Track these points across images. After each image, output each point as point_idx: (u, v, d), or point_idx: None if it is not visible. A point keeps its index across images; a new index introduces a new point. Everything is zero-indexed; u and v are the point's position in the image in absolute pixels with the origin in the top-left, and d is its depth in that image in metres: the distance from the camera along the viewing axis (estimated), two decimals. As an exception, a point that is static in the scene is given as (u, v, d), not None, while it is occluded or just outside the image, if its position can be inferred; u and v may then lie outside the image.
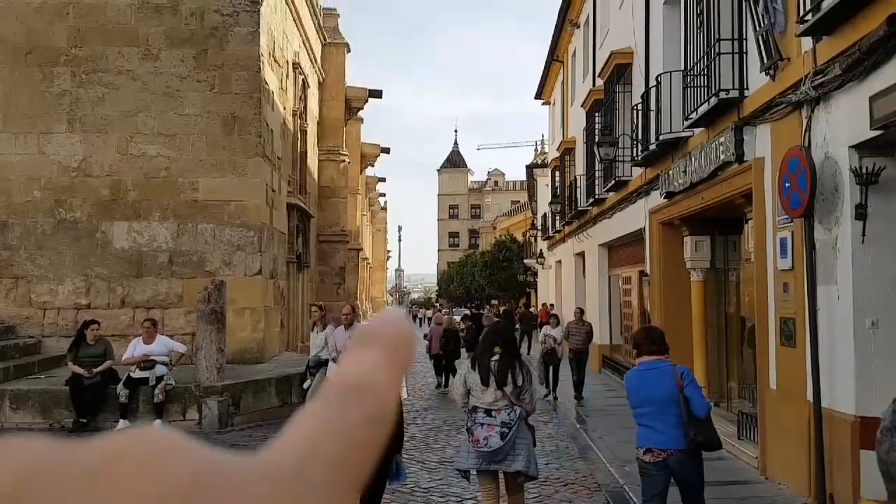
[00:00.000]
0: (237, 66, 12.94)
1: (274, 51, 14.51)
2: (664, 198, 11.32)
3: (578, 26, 20.71)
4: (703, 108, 9.30)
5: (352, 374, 0.24)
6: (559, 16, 21.75)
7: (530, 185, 36.19)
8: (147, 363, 9.77)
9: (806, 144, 6.97)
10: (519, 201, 70.41)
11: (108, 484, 0.20)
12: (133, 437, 0.22)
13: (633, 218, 13.85)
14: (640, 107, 12.43)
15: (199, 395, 10.00)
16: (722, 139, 8.83)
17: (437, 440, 10.08)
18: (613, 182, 14.28)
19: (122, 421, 9.63)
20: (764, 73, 7.74)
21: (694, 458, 5.02)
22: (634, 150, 12.76)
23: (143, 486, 0.20)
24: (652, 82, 11.97)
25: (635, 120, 12.67)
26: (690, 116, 9.68)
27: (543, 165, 32.15)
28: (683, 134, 10.55)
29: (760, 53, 7.71)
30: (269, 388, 10.77)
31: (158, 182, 12.82)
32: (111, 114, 12.77)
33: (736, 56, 8.68)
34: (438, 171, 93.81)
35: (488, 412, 5.15)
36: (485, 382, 5.18)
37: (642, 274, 13.84)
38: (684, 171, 10.17)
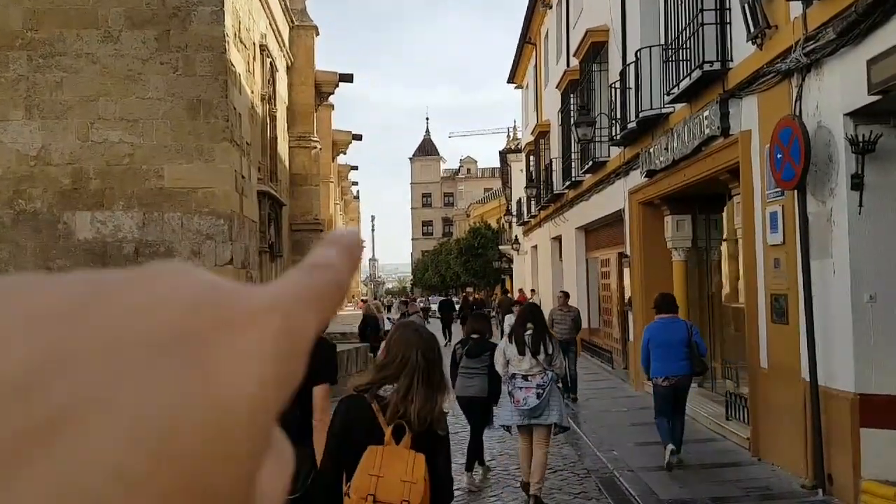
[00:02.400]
0: (201, 47, 12.42)
1: (240, 31, 13.98)
2: (645, 176, 11.10)
3: (551, 7, 20.42)
4: (685, 83, 9.07)
5: (318, 257, 0.28)
6: (531, -3, 21.46)
7: (504, 171, 35.96)
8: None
9: (797, 114, 6.75)
10: (492, 188, 70.26)
11: (146, 283, 0.23)
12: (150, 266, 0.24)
13: (612, 199, 13.63)
14: (617, 84, 12.18)
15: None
16: (706, 113, 8.60)
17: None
18: (591, 164, 14.04)
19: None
20: (750, 42, 7.51)
21: (688, 380, 7.49)
22: (613, 129, 12.53)
23: (178, 279, 0.23)
24: (630, 59, 11.73)
25: (613, 98, 12.42)
26: (672, 91, 9.45)
27: (517, 151, 31.95)
28: (665, 110, 10.32)
29: (746, 22, 7.47)
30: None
31: (122, 169, 12.28)
32: (70, 99, 12.18)
33: (719, 27, 8.45)
34: (411, 159, 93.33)
35: (525, 377, 6.19)
36: (521, 353, 6.22)
37: (622, 256, 13.65)
38: (666, 149, 9.94)
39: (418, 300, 50.60)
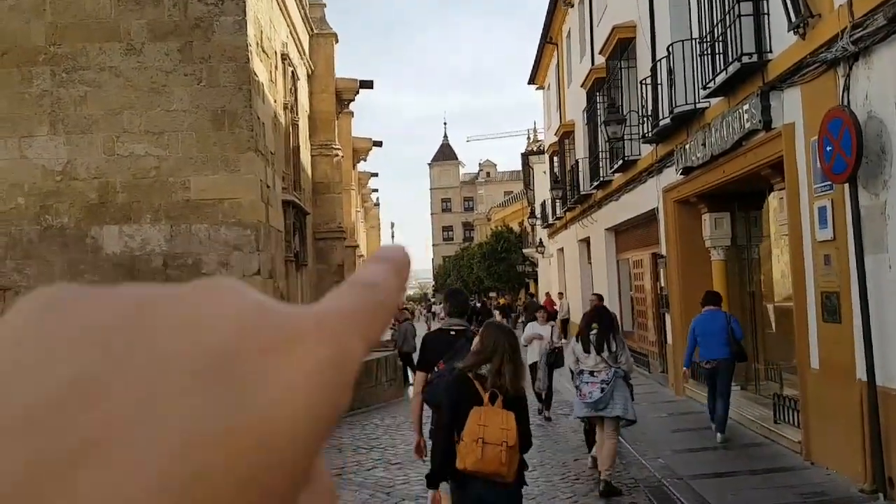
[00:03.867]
0: (224, 57, 12.34)
1: (262, 41, 13.91)
2: (680, 174, 10.82)
3: (572, 5, 20.17)
4: (721, 76, 8.81)
5: (366, 274, 0.27)
6: (551, -4, 21.23)
7: (526, 173, 35.69)
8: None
9: (845, 104, 6.47)
10: (512, 192, 69.93)
11: (196, 296, 0.23)
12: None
13: (644, 198, 13.35)
14: (648, 81, 11.91)
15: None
16: (746, 107, 8.33)
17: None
18: (621, 162, 13.77)
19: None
20: (792, 32, 7.23)
21: (730, 362, 8.37)
22: (644, 126, 12.26)
23: (227, 296, 0.23)
24: (660, 54, 11.47)
25: (644, 95, 12.15)
26: (708, 86, 9.19)
27: (540, 152, 31.69)
28: (700, 105, 10.04)
29: (787, 12, 7.20)
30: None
31: (148, 182, 12.22)
32: (95, 113, 12.15)
33: (756, 18, 8.18)
34: (429, 164, 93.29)
35: (591, 373, 6.75)
36: (586, 350, 6.80)
37: (656, 256, 13.36)
38: (703, 144, 9.67)
39: (433, 307, 50.62)
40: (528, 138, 47.83)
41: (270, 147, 14.19)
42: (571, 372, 7.22)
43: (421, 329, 28.80)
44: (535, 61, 26.44)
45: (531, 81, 28.18)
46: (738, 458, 7.89)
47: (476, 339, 4.09)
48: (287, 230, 15.83)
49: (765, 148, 8.18)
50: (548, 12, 22.26)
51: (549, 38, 23.56)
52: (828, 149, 6.44)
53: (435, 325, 45.82)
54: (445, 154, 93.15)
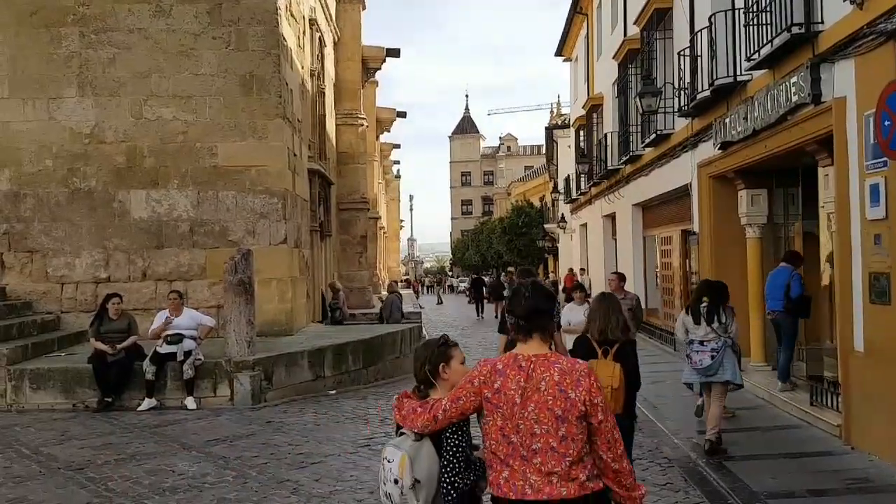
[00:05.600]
0: (253, 20, 12.15)
1: (290, 5, 13.68)
2: (719, 148, 10.54)
3: (605, -25, 19.70)
4: (767, 48, 8.50)
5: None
6: (584, -35, 20.72)
7: (549, 147, 35.27)
8: (174, 337, 9.20)
9: (905, 77, 6.18)
10: (533, 166, 69.37)
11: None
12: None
13: (676, 173, 13.08)
14: (686, 52, 11.58)
15: (230, 370, 9.43)
16: (794, 79, 8.03)
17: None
18: (654, 136, 13.47)
19: (147, 400, 9.10)
20: (848, 1, 6.92)
21: (785, 316, 9.06)
22: (680, 99, 11.95)
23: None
24: (700, 24, 11.13)
25: (682, 67, 11.82)
26: (752, 58, 8.87)
27: (565, 126, 31.24)
28: (741, 78, 9.74)
29: (845, -21, 6.88)
30: (302, 361, 10.19)
31: (175, 147, 12.13)
32: (123, 75, 12.04)
33: (808, -13, 7.85)
34: (450, 137, 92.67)
35: (701, 342, 7.26)
36: (696, 322, 7.31)
37: (687, 233, 13.11)
38: (745, 118, 9.38)
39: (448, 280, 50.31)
40: (552, 112, 47.23)
41: (298, 115, 14.05)
42: (680, 341, 7.93)
43: (434, 301, 28.14)
44: (564, 32, 25.94)
45: (558, 53, 27.68)
46: (773, 440, 7.71)
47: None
48: (312, 199, 15.73)
49: (813, 122, 7.90)
50: (579, -18, 21.78)
51: (578, 8, 23.07)
52: (886, 123, 6.17)
53: (449, 297, 45.86)
54: (466, 127, 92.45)
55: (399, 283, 49.71)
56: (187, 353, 9.15)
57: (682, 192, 12.93)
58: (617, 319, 5.03)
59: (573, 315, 8.50)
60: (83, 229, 12.00)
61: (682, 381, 8.14)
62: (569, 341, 9.29)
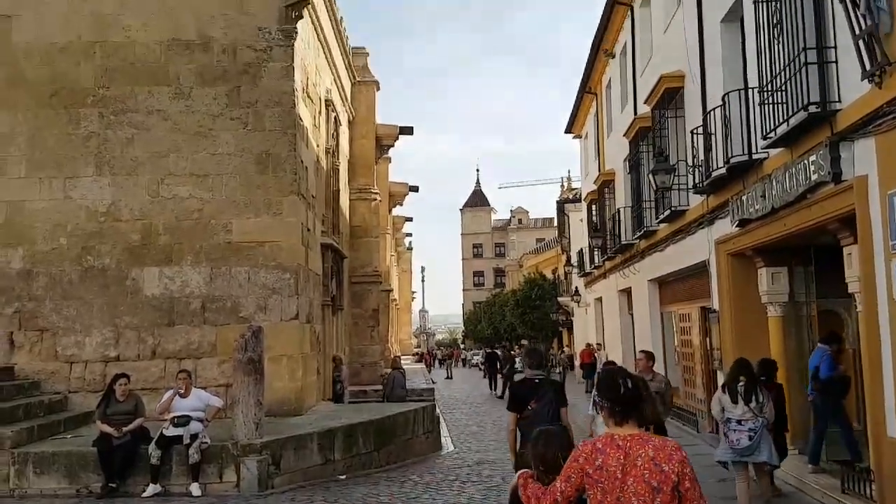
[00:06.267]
0: (271, 102, 12.36)
1: (307, 87, 13.96)
2: (736, 226, 10.42)
3: (614, 56, 20.08)
4: (783, 127, 8.47)
5: None
6: (592, 47, 21.15)
7: (561, 220, 35.34)
8: (181, 419, 8.96)
9: (929, 157, 6.09)
10: (544, 238, 69.55)
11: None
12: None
13: (693, 250, 12.93)
14: (699, 130, 11.61)
15: (236, 454, 9.14)
16: (813, 158, 7.96)
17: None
18: (668, 212, 13.40)
19: (151, 486, 8.80)
20: (867, 80, 6.90)
21: (815, 397, 9.02)
22: (694, 176, 11.92)
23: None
24: (712, 104, 11.19)
25: (694, 145, 11.84)
26: (769, 136, 8.84)
27: (576, 200, 31.38)
28: (758, 156, 9.70)
29: (861, 60, 6.88)
30: (311, 444, 9.88)
31: (191, 224, 12.17)
32: (141, 155, 12.19)
33: (821, 67, 7.88)
34: (461, 210, 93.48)
35: (739, 421, 7.37)
36: (734, 401, 7.41)
37: (706, 311, 12.87)
38: (763, 196, 9.29)
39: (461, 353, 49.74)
40: (563, 186, 47.61)
41: (312, 191, 14.13)
42: (715, 420, 8.07)
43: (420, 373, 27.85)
44: (573, 111, 26.34)
45: (568, 130, 28.04)
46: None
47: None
48: (325, 274, 15.68)
49: (833, 201, 7.79)
50: (587, 63, 22.20)
51: (587, 88, 23.48)
52: (911, 204, 6.05)
53: (459, 371, 45.10)
54: (477, 200, 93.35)
55: (412, 357, 49.23)
56: (193, 437, 8.89)
57: (700, 269, 12.76)
58: (650, 403, 5.16)
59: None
60: (94, 307, 11.92)
61: (716, 459, 7.98)
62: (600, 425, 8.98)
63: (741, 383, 7.42)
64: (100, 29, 12.27)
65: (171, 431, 8.92)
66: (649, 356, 9.08)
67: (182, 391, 9.16)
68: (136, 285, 12.01)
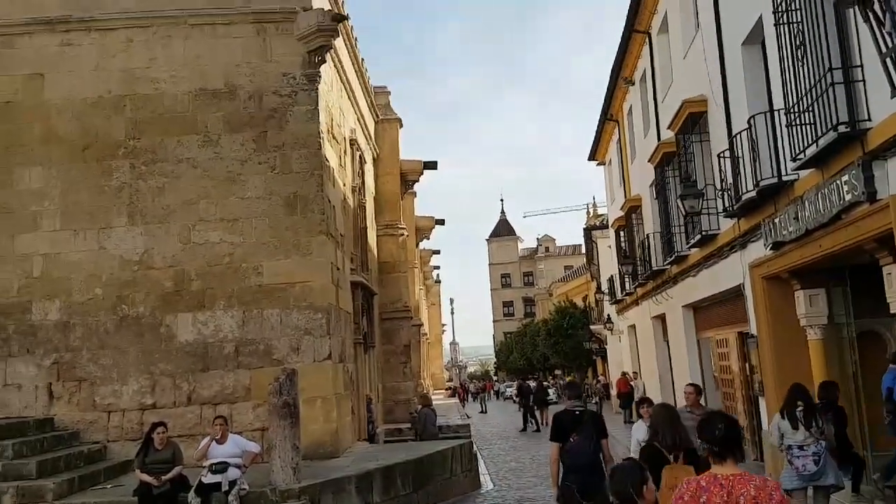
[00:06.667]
0: (297, 144, 12.53)
1: (332, 128, 14.15)
2: (770, 249, 10.26)
3: (633, 83, 20.11)
4: (812, 148, 8.37)
5: None
6: (611, 75, 21.22)
7: (589, 248, 35.14)
8: (218, 466, 8.96)
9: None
10: (573, 266, 69.17)
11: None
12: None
13: (725, 274, 12.75)
14: (726, 154, 11.52)
15: (275, 499, 9.10)
16: (845, 178, 7.84)
17: None
18: (699, 237, 13.25)
19: (193, 533, 8.76)
20: (896, 99, 6.80)
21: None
22: (723, 200, 11.79)
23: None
24: (738, 126, 11.12)
25: (722, 168, 11.74)
26: (798, 158, 8.74)
27: (603, 227, 31.20)
28: (787, 177, 9.58)
29: (889, 78, 6.79)
30: (350, 486, 9.81)
31: (222, 269, 12.30)
32: (172, 203, 12.39)
33: (848, 86, 7.79)
34: (487, 240, 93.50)
35: (801, 447, 7.38)
36: (794, 426, 7.46)
37: (744, 336, 12.63)
38: (795, 218, 9.15)
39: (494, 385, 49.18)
40: (588, 213, 47.42)
41: (340, 229, 14.24)
42: (759, 447, 8.44)
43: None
44: (596, 138, 26.33)
45: (591, 158, 28.01)
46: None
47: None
48: (356, 311, 15.70)
49: (869, 221, 7.64)
50: (608, 91, 22.25)
51: (609, 115, 23.49)
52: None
53: (492, 404, 44.53)
54: (503, 229, 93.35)
55: (445, 392, 48.86)
56: (232, 483, 8.87)
57: (735, 293, 12.56)
58: (681, 431, 5.86)
59: (641, 433, 7.64)
60: (130, 356, 12.04)
61: (783, 488, 7.72)
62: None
63: (800, 409, 7.44)
64: (129, 83, 12.59)
65: (209, 479, 8.91)
66: (697, 389, 8.63)
67: (218, 437, 9.16)
68: (170, 332, 12.13)
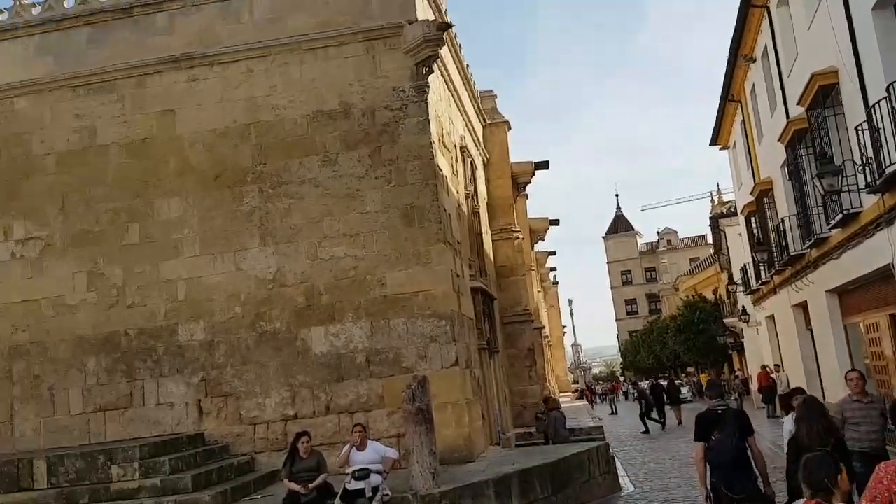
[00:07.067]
0: (411, 156, 12.76)
1: (443, 136, 14.31)
2: (923, 223, 9.42)
3: (754, 60, 19.09)
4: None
5: None
6: (729, 54, 20.22)
7: (716, 237, 33.64)
8: (360, 472, 9.21)
9: None
10: (698, 258, 66.48)
11: None
12: None
13: (872, 253, 11.81)
14: (864, 126, 10.70)
15: (416, 504, 9.23)
16: None
17: None
18: (840, 217, 12.37)
19: (340, 538, 9.04)
20: None
21: None
22: (864, 175, 10.95)
23: None
24: (875, 96, 10.31)
25: (861, 142, 10.91)
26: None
27: (731, 214, 29.80)
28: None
29: None
30: (488, 490, 9.81)
31: (348, 283, 12.69)
32: (299, 222, 12.92)
33: None
34: (604, 237, 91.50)
35: None
36: None
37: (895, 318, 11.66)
38: (952, 187, 8.35)
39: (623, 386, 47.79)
40: (713, 201, 45.40)
41: (457, 237, 14.35)
42: None
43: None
44: (717, 121, 25.18)
45: (713, 142, 26.81)
46: None
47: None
48: (477, 317, 15.77)
49: None
50: (727, 71, 21.22)
51: (730, 96, 22.41)
52: None
53: (621, 405, 43.29)
54: (620, 225, 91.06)
55: (572, 394, 48.12)
56: (375, 489, 9.10)
57: (884, 274, 11.63)
58: (829, 419, 6.05)
59: (791, 425, 7.17)
60: (270, 370, 12.62)
61: None
62: None
63: None
64: (252, 111, 13.25)
65: (353, 485, 9.18)
66: (861, 375, 7.81)
67: (358, 444, 9.42)
68: (305, 345, 12.62)
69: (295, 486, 9.28)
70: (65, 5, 13.77)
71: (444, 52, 14.64)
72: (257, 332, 12.75)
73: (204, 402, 12.67)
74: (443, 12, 15.08)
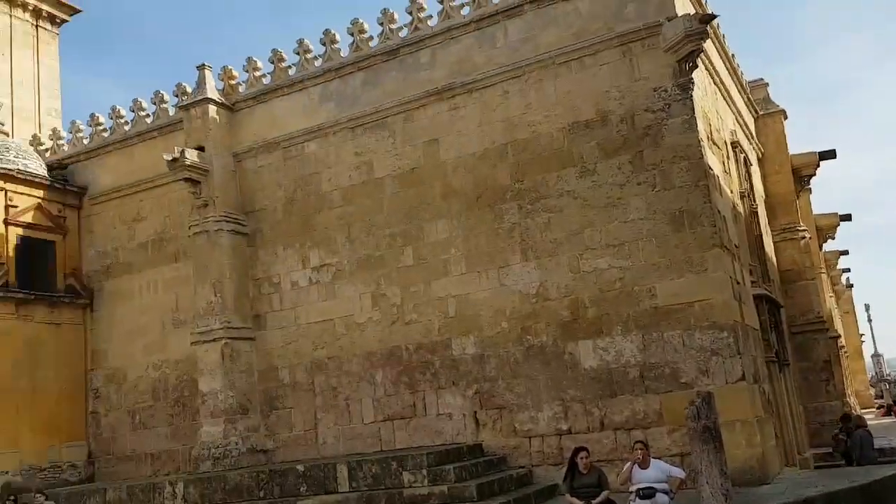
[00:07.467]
0: (677, 158, 12.06)
1: (711, 134, 13.34)
2: None
3: None
4: None
5: None
6: None
7: None
8: (646, 491, 8.78)
9: None
10: None
11: None
12: None
13: None
14: None
15: (708, 530, 8.51)
16: None
17: None
18: None
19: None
20: None
21: None
22: None
23: None
24: None
25: None
26: None
27: None
28: None
29: None
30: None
31: (614, 294, 12.29)
32: (559, 236, 12.83)
33: None
34: (907, 232, 79.44)
35: None
36: None
37: None
38: None
39: None
40: None
41: (734, 240, 13.27)
42: None
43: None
44: None
45: None
46: None
47: None
48: (762, 327, 14.41)
49: None
50: None
51: None
52: None
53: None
54: (927, 217, 78.43)
55: (875, 409, 42.17)
56: (661, 510, 8.59)
57: None
58: None
59: None
60: (540, 383, 12.63)
61: None
62: None
63: None
64: (509, 130, 13.49)
65: (638, 504, 8.78)
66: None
67: (640, 461, 9.01)
68: (573, 359, 12.45)
69: (577, 502, 9.11)
70: (341, 54, 15.22)
71: (707, 43, 13.70)
72: (524, 345, 12.84)
73: (479, 414, 13.03)
74: (703, 3, 14.14)
